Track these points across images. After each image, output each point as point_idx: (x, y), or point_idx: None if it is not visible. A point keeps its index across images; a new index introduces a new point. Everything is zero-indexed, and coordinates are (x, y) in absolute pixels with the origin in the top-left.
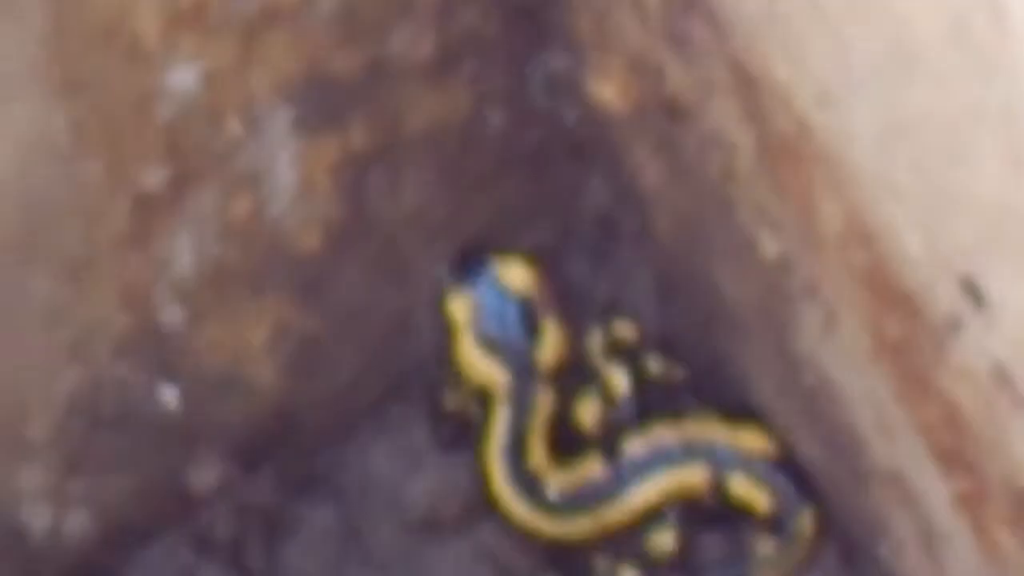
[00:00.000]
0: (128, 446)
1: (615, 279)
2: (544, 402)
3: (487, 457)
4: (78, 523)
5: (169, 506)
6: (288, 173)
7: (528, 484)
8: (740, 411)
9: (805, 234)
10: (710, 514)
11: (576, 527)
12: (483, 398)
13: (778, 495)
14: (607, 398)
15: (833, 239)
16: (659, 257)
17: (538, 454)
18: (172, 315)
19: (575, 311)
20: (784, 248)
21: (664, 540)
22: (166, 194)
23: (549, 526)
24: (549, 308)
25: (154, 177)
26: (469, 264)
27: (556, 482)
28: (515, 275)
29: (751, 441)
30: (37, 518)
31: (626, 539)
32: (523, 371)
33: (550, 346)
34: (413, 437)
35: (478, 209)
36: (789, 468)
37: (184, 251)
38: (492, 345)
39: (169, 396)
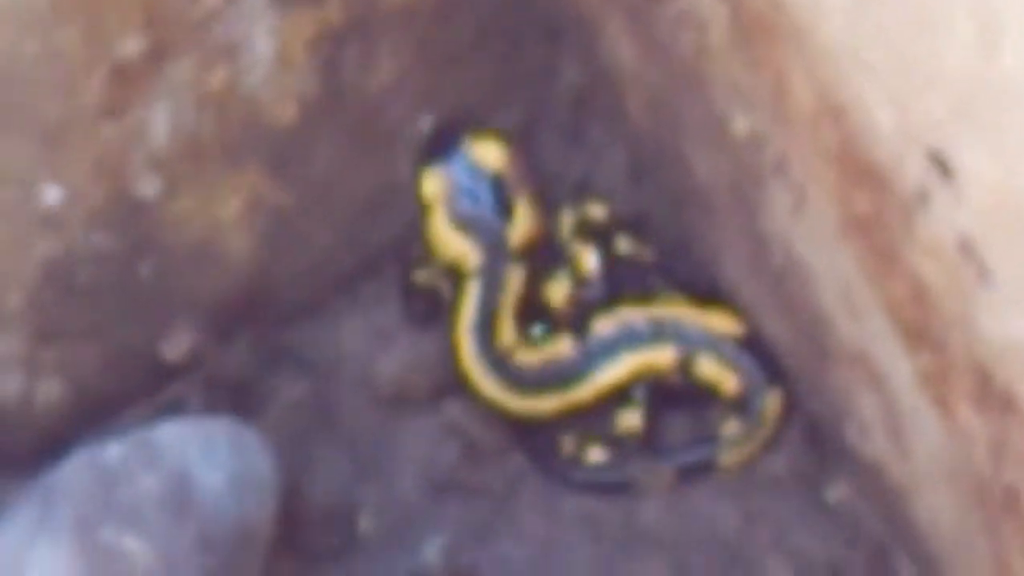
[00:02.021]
0: (101, 316)
1: (587, 158)
2: (514, 280)
3: (457, 334)
4: (50, 392)
5: (141, 377)
6: (265, 45)
7: (497, 362)
8: (708, 291)
9: (776, 111)
10: (677, 394)
11: (544, 405)
12: (454, 275)
13: (745, 376)
14: (577, 277)
15: (804, 115)
16: (631, 137)
17: (507, 332)
18: (146, 186)
19: (547, 190)
20: (755, 126)
21: (631, 419)
22: (143, 64)
23: (517, 404)
24: (522, 187)
25: (131, 47)
26: (443, 142)
27: (525, 360)
28: (488, 153)
29: (719, 321)
30: (10, 386)
31: (593, 418)
32: (494, 249)
33: (521, 225)
34: (384, 313)
35: (452, 86)
36: (756, 349)
37: (160, 122)
38: (464, 223)
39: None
